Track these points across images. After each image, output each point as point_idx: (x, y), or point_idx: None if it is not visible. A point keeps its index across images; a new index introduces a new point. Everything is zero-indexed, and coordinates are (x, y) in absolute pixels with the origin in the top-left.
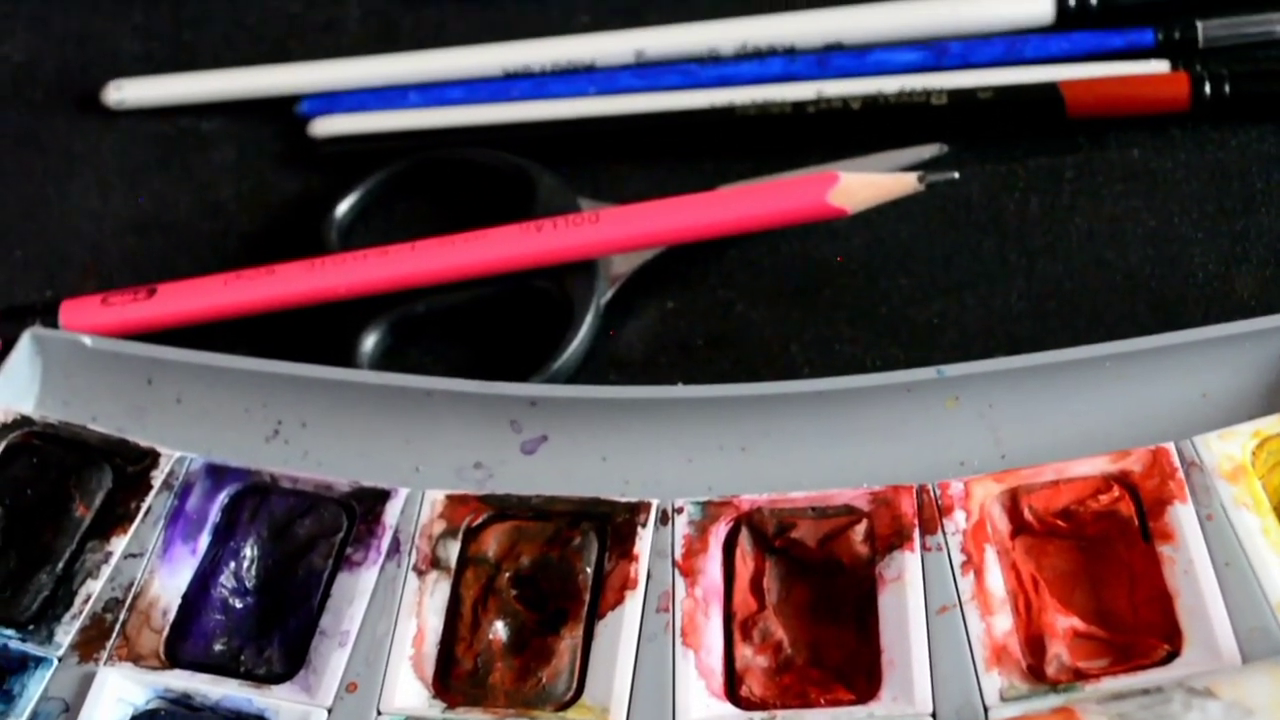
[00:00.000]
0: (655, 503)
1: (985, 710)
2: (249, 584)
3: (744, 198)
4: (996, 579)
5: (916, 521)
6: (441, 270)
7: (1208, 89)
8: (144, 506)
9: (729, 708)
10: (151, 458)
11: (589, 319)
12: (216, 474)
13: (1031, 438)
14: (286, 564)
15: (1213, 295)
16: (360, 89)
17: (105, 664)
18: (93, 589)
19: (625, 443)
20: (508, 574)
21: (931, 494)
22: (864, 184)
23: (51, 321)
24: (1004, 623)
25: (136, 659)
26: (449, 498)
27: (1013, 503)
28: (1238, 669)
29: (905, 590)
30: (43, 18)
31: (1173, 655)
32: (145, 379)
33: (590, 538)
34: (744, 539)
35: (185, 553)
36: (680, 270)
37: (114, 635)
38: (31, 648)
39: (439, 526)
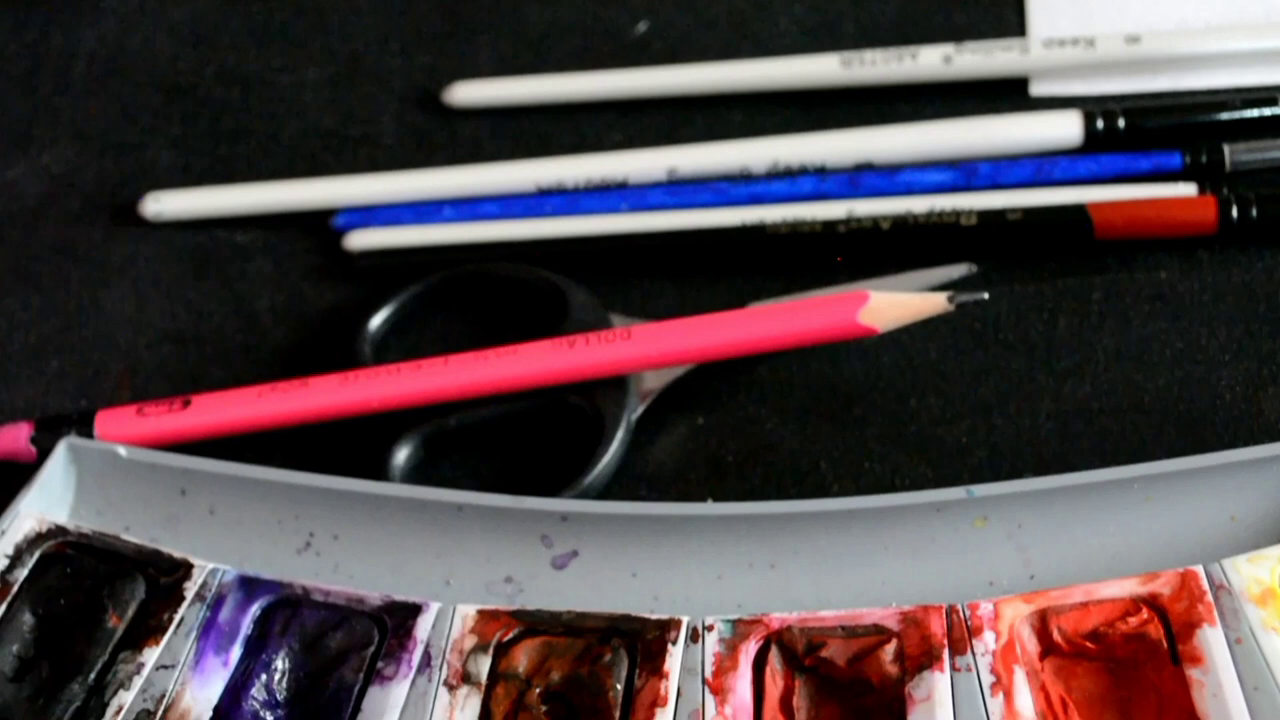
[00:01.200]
0: (686, 620)
1: None
2: (280, 696)
3: (774, 316)
4: (1026, 701)
5: (946, 642)
6: (474, 385)
7: (1235, 212)
8: (176, 618)
9: None
10: (184, 569)
11: (620, 435)
12: (249, 586)
13: (1060, 558)
14: (318, 677)
15: (1240, 418)
16: (395, 203)
17: None
18: (124, 700)
19: (655, 559)
20: (538, 690)
21: (961, 614)
22: (894, 303)
23: (87, 432)
24: None
25: None
26: (480, 613)
27: (1042, 624)
28: None
29: (935, 711)
30: (83, 129)
31: None
32: (179, 490)
33: (620, 654)
34: (774, 657)
35: (217, 664)
36: (711, 386)
37: None
38: None
39: (470, 641)
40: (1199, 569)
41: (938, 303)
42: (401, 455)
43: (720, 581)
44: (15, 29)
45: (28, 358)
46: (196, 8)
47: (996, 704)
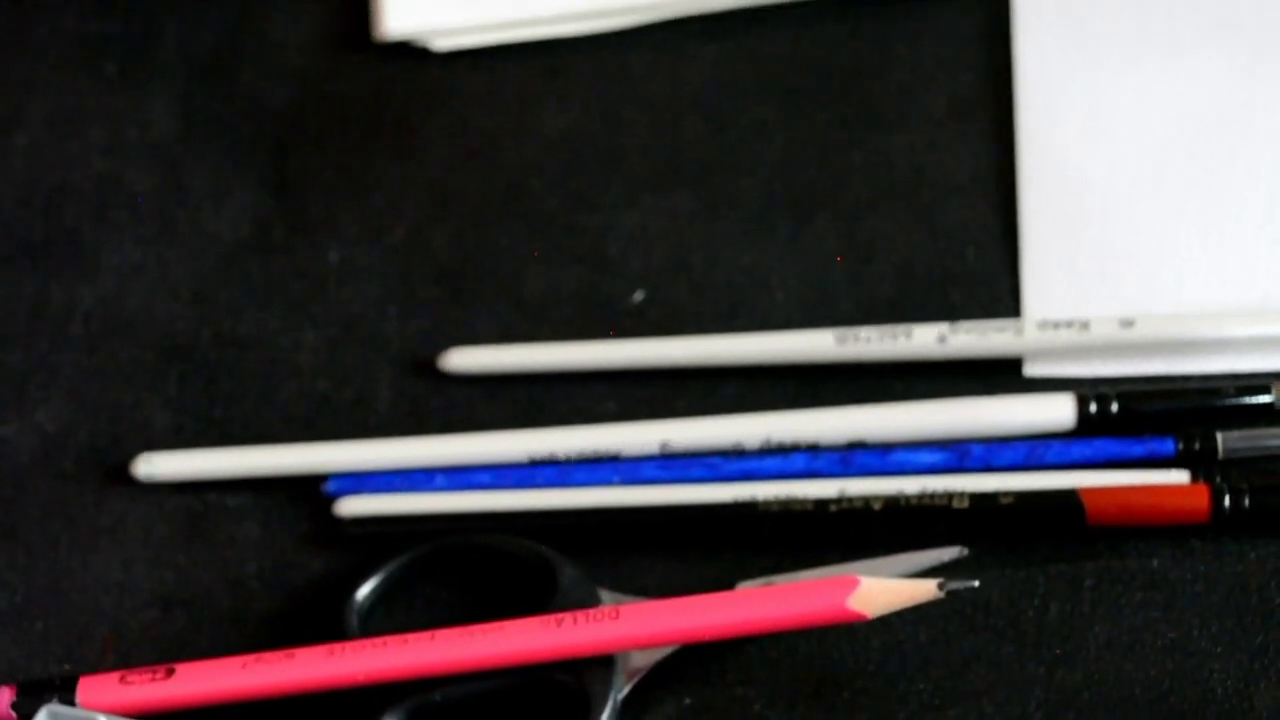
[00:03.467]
0: None
1: None
2: None
3: (764, 599)
4: None
5: None
6: (460, 661)
7: (1227, 502)
8: None
9: None
10: None
11: (606, 714)
12: None
13: None
14: None
15: (1232, 712)
16: (387, 470)
17: None
18: None
19: None
20: None
21: None
22: (884, 590)
23: (69, 698)
24: None
25: None
26: None
27: None
28: None
29: None
30: (78, 387)
31: None
32: None
33: None
34: None
35: None
36: (698, 666)
37: None
38: None
39: None
40: None
41: (928, 590)
42: None
43: None
44: (14, 284)
45: (13, 618)
46: (197, 268)
47: None
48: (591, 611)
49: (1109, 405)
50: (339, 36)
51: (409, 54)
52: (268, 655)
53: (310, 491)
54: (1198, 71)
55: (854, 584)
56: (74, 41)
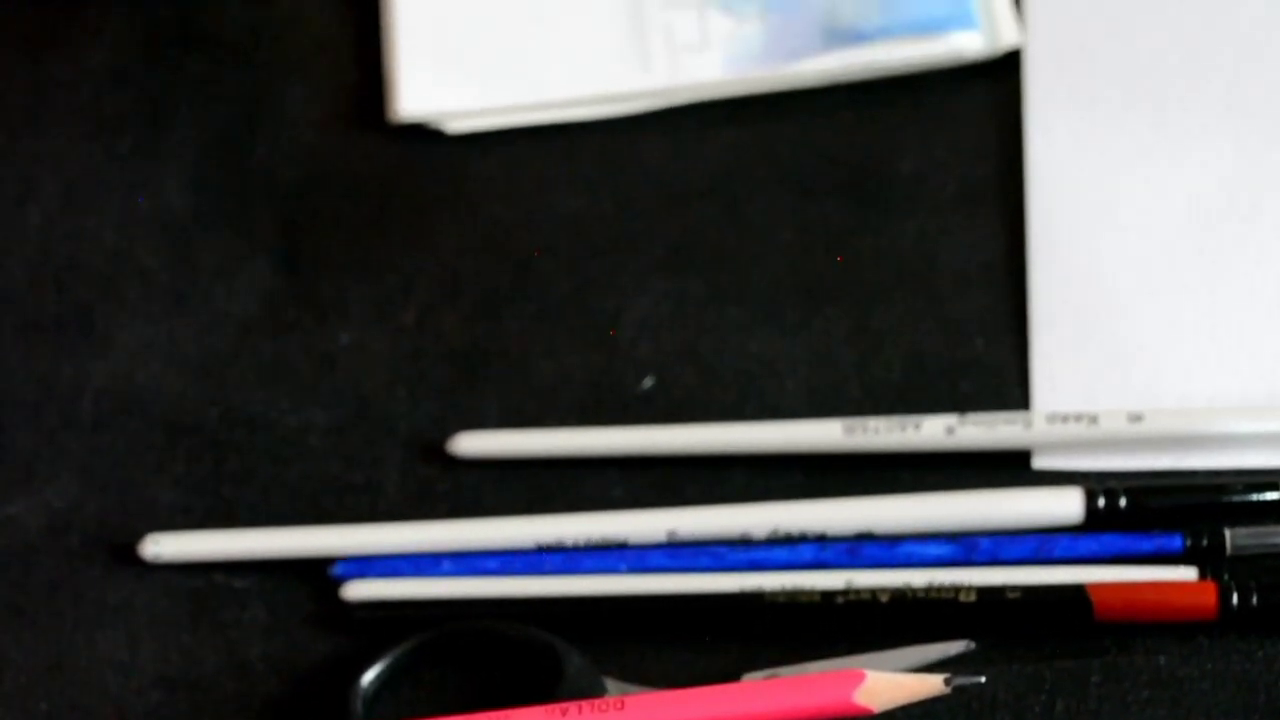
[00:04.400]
0: None
1: None
2: None
3: (769, 692)
4: None
5: None
6: None
7: (1235, 599)
8: None
9: None
10: None
11: None
12: None
13: None
14: None
15: None
16: (394, 554)
17: None
18: None
19: None
20: None
21: None
22: (890, 684)
23: None
24: None
25: None
26: None
27: None
28: None
29: None
30: (87, 465)
31: None
32: None
33: None
34: None
35: None
36: None
37: None
38: None
39: None
40: None
41: (934, 685)
42: None
43: None
44: (25, 360)
45: (17, 697)
46: (208, 345)
47: None
48: (597, 702)
49: (1117, 500)
50: (353, 116)
51: (423, 135)
52: None
53: (317, 574)
54: (1208, 162)
55: (860, 678)
56: (89, 116)
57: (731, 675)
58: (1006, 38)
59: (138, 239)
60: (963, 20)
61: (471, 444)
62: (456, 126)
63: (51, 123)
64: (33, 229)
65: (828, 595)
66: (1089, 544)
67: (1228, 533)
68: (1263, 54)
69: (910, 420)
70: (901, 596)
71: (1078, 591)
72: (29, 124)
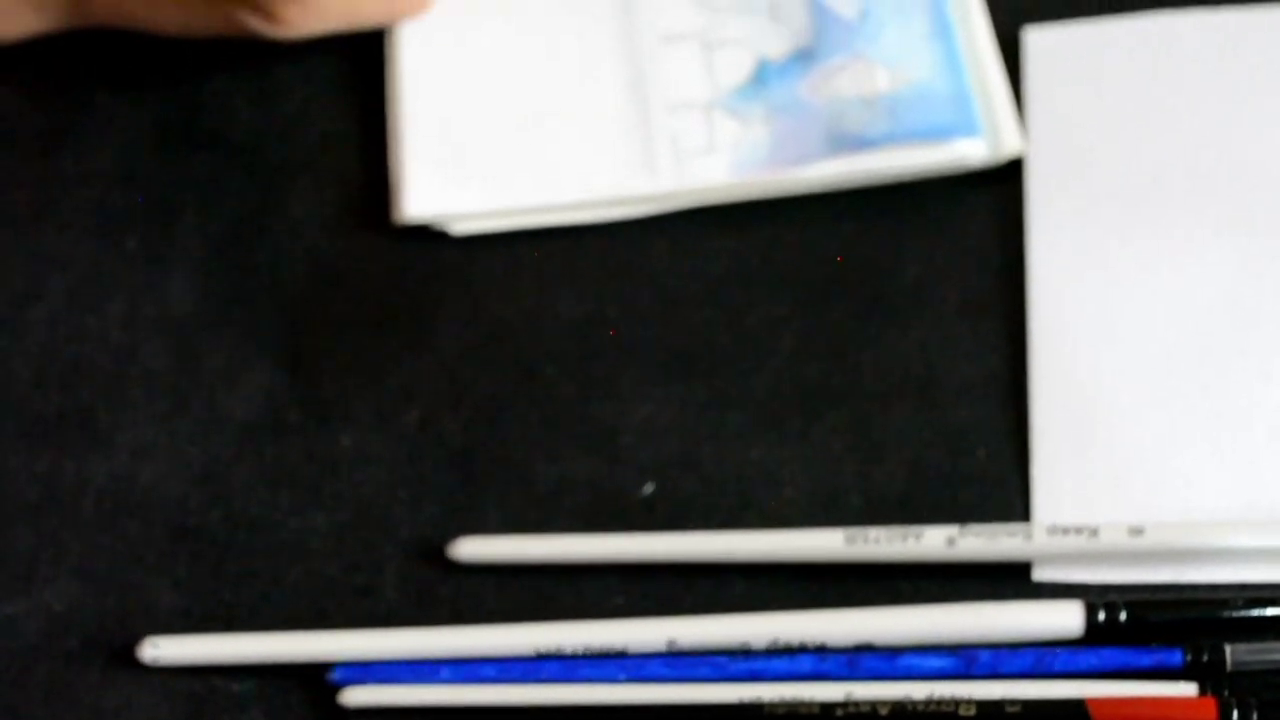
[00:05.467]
0: None
1: None
2: None
3: None
4: None
5: None
6: None
7: (1235, 715)
8: None
9: None
10: None
11: None
12: None
13: None
14: None
15: None
16: (393, 660)
17: None
18: None
19: None
20: None
21: None
22: None
23: None
24: None
25: None
26: None
27: None
28: None
29: None
30: (87, 566)
31: None
32: None
33: None
34: None
35: None
36: None
37: None
38: None
39: None
40: None
41: None
42: None
43: None
44: (27, 459)
45: None
46: (210, 447)
47: None
48: None
49: (1117, 614)
50: (358, 217)
51: (427, 236)
52: None
53: (316, 679)
54: (1209, 272)
55: None
56: (96, 215)
57: None
58: (1009, 146)
59: (142, 339)
60: (966, 128)
61: (472, 549)
62: (461, 228)
63: (58, 221)
64: (38, 327)
65: (827, 707)
66: (1089, 658)
67: (1228, 648)
68: (1264, 165)
69: (911, 531)
70: (901, 709)
71: (1078, 706)
72: (36, 222)
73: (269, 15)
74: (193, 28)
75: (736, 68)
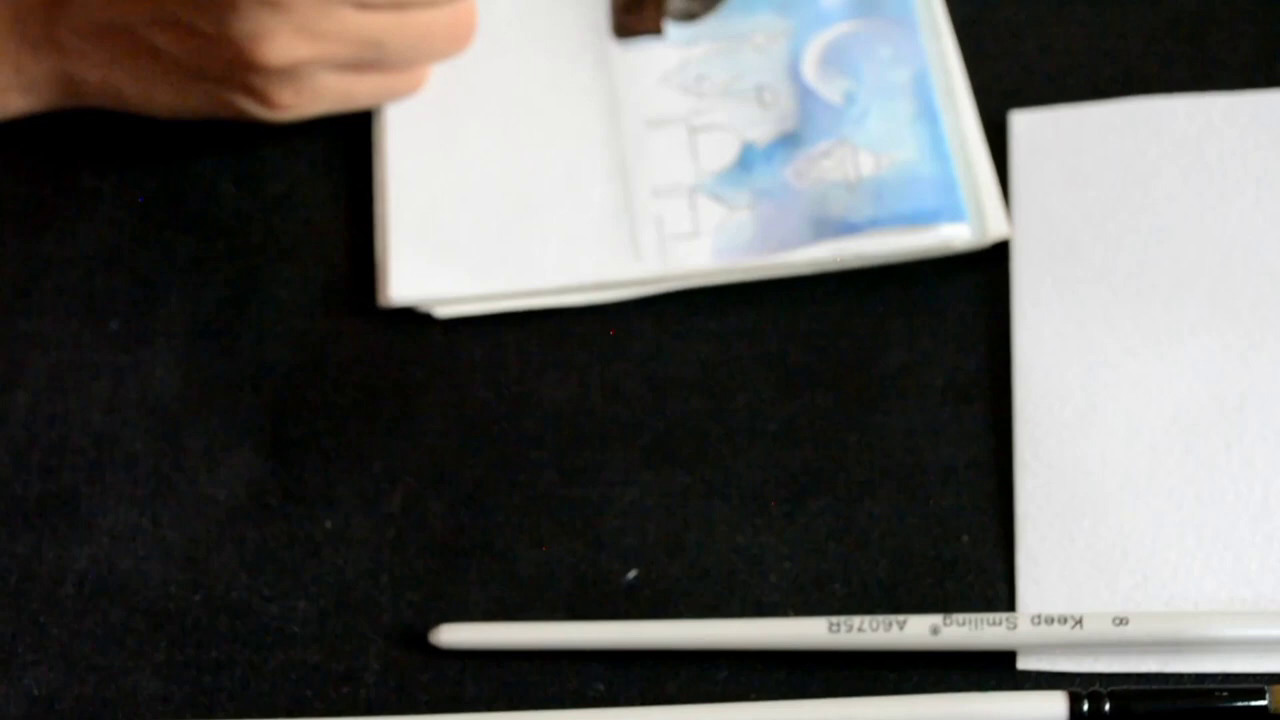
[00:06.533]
0: None
1: None
2: None
3: None
4: None
5: None
6: None
7: None
8: None
9: None
10: None
11: None
12: None
13: None
14: None
15: None
16: None
17: None
18: None
19: None
20: None
21: None
22: None
23: None
24: None
25: None
26: None
27: None
28: None
29: None
30: (68, 651)
31: None
32: None
33: None
34: None
35: None
36: None
37: None
38: None
39: None
40: None
41: None
42: None
43: None
44: (8, 542)
45: None
46: (191, 531)
47: None
48: None
49: (1101, 704)
50: (342, 300)
51: (411, 319)
52: None
53: None
54: (1194, 361)
55: None
56: (79, 297)
57: None
58: (995, 230)
59: (124, 422)
60: (951, 213)
61: (455, 635)
62: (446, 312)
63: (42, 303)
64: (20, 411)
65: None
66: None
67: None
68: (1248, 250)
69: (895, 619)
70: None
71: None
72: (19, 303)
73: (264, 99)
74: (185, 110)
75: (722, 152)
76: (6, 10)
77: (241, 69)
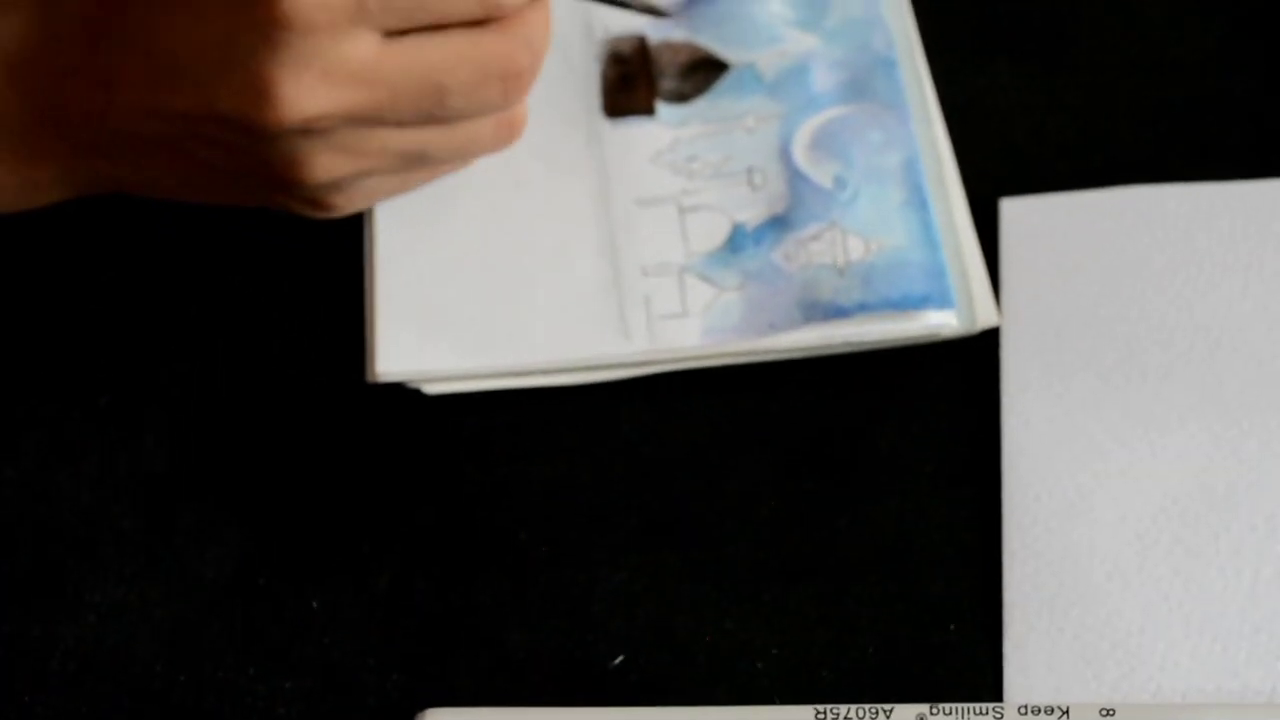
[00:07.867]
0: None
1: None
2: None
3: None
4: None
5: None
6: None
7: None
8: None
9: None
10: None
11: None
12: None
13: None
14: None
15: None
16: None
17: None
18: None
19: None
20: None
21: None
22: None
23: None
24: None
25: None
26: None
27: None
28: None
29: None
30: None
31: None
32: None
33: None
34: None
35: None
36: None
37: None
38: None
39: None
40: None
41: None
42: None
43: None
44: None
45: None
46: (179, 609)
47: None
48: None
49: None
50: (331, 376)
51: (401, 396)
52: None
53: None
54: (1183, 450)
55: None
56: (69, 373)
57: None
58: (983, 318)
59: (113, 499)
60: (940, 299)
61: (441, 719)
62: (435, 389)
63: (32, 378)
64: (9, 487)
65: None
66: None
67: None
68: (1238, 339)
69: (882, 708)
70: None
71: None
72: (10, 380)
73: (313, 205)
74: (229, 203)
75: (711, 233)
76: (51, 115)
77: (285, 185)
